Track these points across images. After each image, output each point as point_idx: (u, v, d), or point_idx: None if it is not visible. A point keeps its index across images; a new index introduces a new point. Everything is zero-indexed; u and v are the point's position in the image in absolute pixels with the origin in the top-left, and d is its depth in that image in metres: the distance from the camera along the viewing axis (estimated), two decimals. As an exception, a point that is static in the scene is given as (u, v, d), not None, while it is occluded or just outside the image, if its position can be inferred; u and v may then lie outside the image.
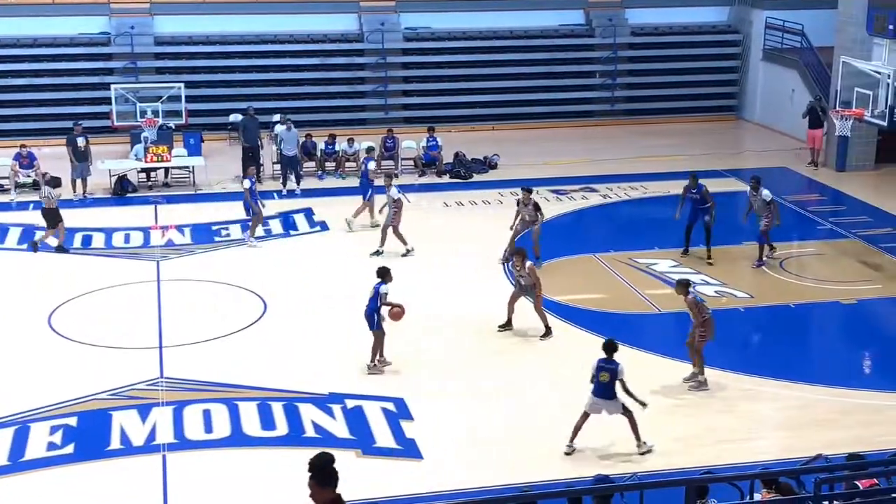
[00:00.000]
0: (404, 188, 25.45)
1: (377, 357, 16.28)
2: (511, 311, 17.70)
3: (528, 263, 17.52)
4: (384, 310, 16.08)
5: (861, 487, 10.48)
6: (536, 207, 20.74)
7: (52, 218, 21.50)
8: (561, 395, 15.64)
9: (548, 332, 17.51)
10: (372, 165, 23.36)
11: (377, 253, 21.06)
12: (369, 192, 22.88)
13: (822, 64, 29.14)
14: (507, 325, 17.76)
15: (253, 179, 22.38)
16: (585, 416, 13.94)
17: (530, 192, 20.96)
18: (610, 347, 13.98)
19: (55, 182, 22.35)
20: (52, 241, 21.56)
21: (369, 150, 24.50)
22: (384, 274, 16.18)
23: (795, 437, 14.53)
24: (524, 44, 32.54)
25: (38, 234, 21.87)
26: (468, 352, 17.05)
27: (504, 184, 26.20)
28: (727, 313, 18.72)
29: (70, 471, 13.68)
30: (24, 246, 21.65)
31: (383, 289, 16.02)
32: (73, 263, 21.03)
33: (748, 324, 18.48)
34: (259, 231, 22.23)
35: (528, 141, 30.47)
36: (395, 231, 21.14)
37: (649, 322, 18.57)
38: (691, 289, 15.93)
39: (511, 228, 20.71)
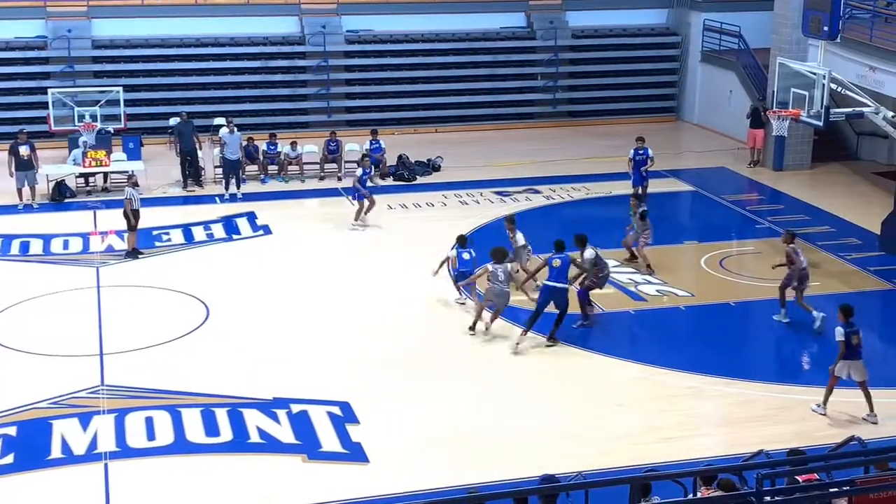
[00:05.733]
0: (347, 191, 25.41)
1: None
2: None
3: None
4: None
5: (801, 482, 10.65)
6: (643, 216, 20.32)
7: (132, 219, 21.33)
8: (505, 394, 15.73)
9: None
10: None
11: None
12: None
13: (760, 65, 29.54)
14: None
15: (367, 171, 23.44)
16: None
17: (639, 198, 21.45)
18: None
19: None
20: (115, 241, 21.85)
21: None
22: (463, 240, 18.61)
23: (737, 433, 14.72)
24: (466, 46, 32.58)
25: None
26: (413, 354, 17.03)
27: (447, 186, 26.26)
28: (668, 312, 18.99)
29: (10, 481, 13.46)
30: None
31: (465, 255, 18.39)
32: (10, 270, 20.69)
33: (689, 322, 18.68)
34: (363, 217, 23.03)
35: (471, 143, 30.53)
36: None
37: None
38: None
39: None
